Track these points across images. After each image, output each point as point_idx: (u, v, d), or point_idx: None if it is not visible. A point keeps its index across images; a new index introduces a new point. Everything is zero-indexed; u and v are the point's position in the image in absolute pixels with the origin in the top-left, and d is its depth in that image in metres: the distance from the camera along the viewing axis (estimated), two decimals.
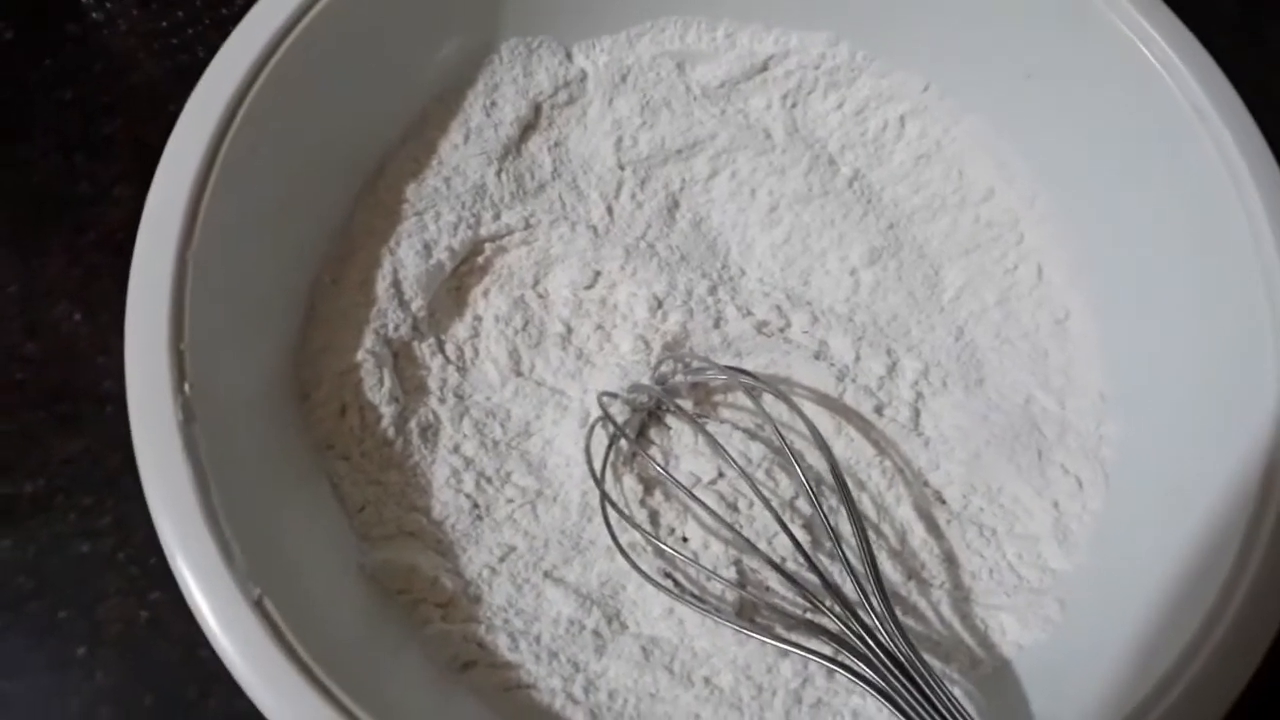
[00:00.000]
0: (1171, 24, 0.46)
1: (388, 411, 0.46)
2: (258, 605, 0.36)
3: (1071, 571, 0.46)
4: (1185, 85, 0.46)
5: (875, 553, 0.42)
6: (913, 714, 0.37)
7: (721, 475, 0.47)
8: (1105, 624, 0.43)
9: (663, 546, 0.44)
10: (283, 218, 0.46)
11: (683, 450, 0.48)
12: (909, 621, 0.45)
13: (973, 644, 0.45)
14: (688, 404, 0.48)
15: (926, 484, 0.49)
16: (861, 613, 0.40)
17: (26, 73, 0.59)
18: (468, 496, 0.46)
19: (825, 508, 0.41)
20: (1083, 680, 0.41)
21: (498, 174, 0.52)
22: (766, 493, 0.46)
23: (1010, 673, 0.44)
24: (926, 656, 0.42)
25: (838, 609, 0.40)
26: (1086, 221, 0.52)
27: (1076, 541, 0.47)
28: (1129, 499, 0.47)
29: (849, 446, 0.49)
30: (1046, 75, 0.51)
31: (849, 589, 0.42)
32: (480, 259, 0.51)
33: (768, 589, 0.45)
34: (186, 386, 0.39)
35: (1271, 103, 0.46)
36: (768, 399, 0.48)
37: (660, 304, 0.50)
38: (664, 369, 0.48)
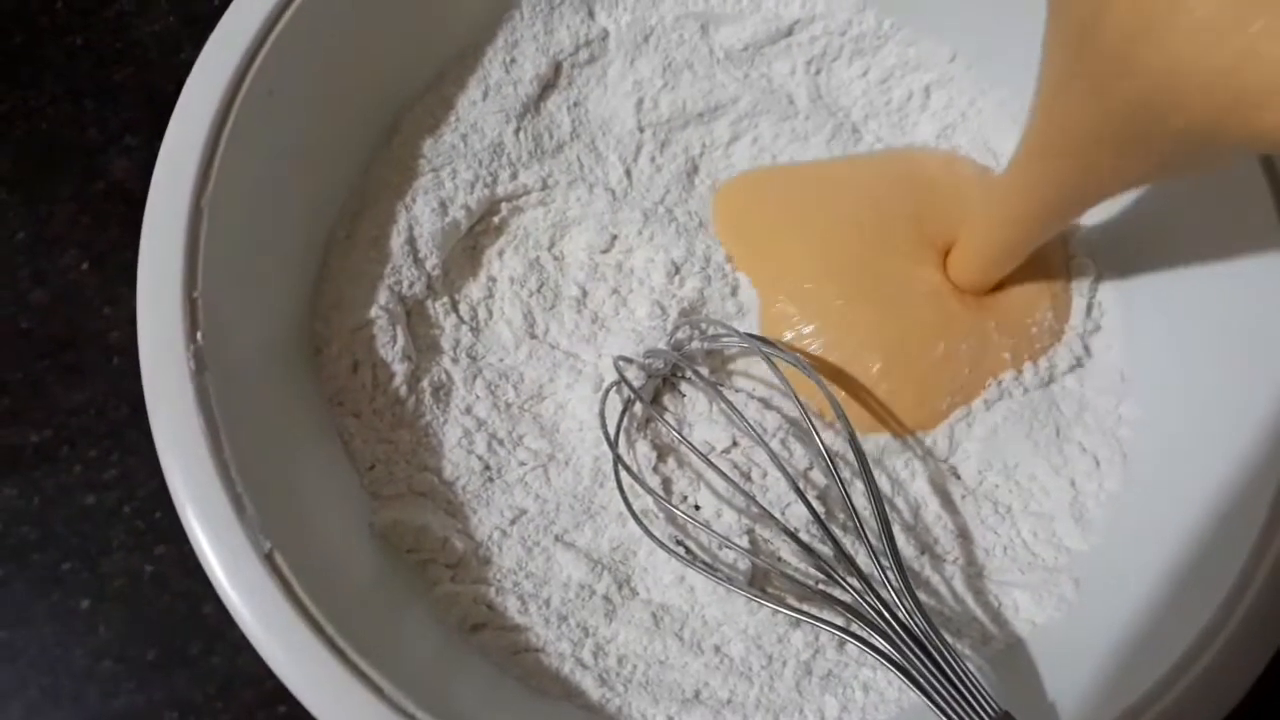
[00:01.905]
0: None
1: (400, 370, 0.45)
2: (268, 559, 0.35)
3: (1087, 551, 0.46)
4: None
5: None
6: (928, 687, 0.36)
7: (735, 444, 0.46)
8: (1120, 605, 0.42)
9: (676, 512, 0.44)
10: (298, 169, 0.45)
11: (696, 418, 0.47)
12: (921, 596, 0.45)
13: (985, 620, 0.44)
14: (704, 371, 0.47)
15: (942, 459, 0.48)
16: (878, 587, 0.39)
17: (37, 18, 0.58)
18: (479, 458, 0.45)
19: (842, 479, 0.41)
20: (1096, 660, 0.41)
21: (516, 132, 0.51)
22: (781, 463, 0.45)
23: (1023, 651, 0.43)
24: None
25: (854, 581, 0.39)
26: (1111, 200, 0.51)
27: (1093, 521, 0.46)
28: (1147, 479, 0.46)
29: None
30: None
31: (862, 561, 0.42)
32: (496, 219, 0.50)
33: (779, 559, 0.45)
34: (199, 335, 0.38)
35: None
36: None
37: (678, 270, 0.49)
38: (680, 335, 0.47)
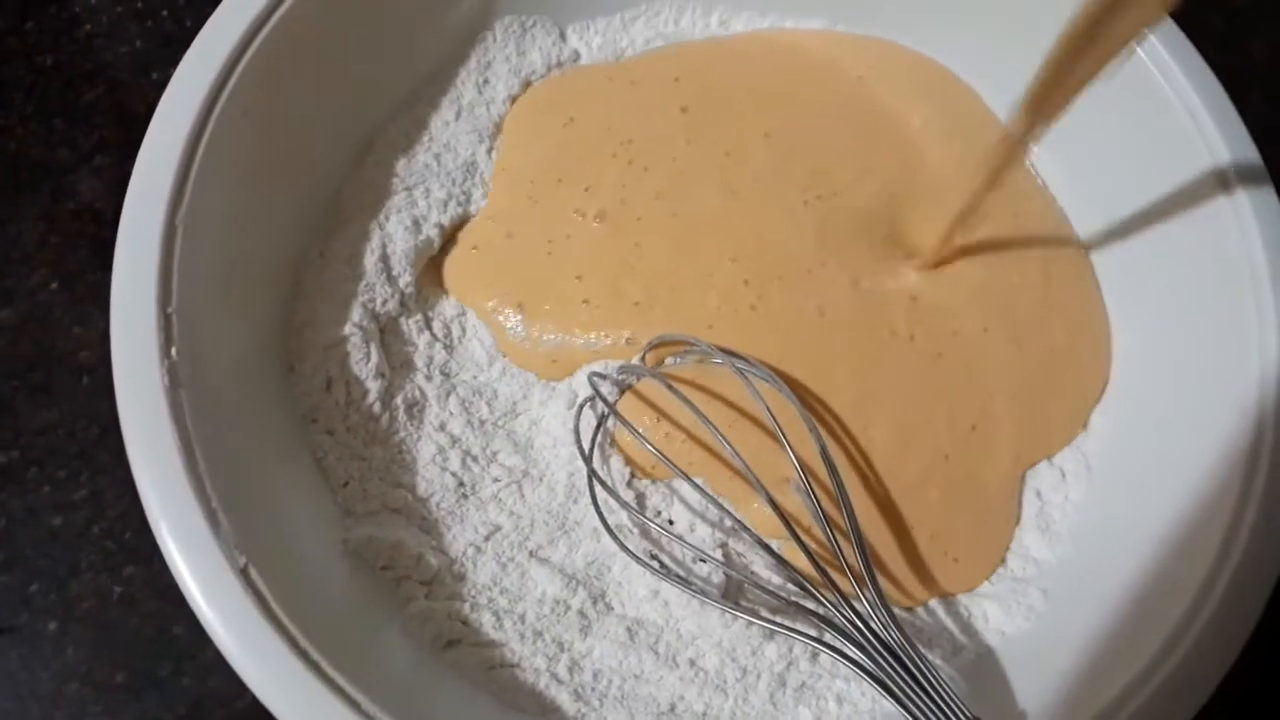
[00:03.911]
0: (1168, 29, 0.47)
1: (374, 387, 0.46)
2: (243, 574, 0.35)
3: (1054, 561, 0.46)
4: (1176, 83, 0.46)
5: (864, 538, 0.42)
6: (902, 697, 0.37)
7: None
8: (1088, 614, 0.43)
9: (650, 525, 0.44)
10: (272, 187, 0.45)
11: None
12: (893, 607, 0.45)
13: (955, 631, 0.45)
14: (678, 386, 0.48)
15: None
16: (853, 599, 0.39)
17: (6, 37, 0.58)
18: (453, 475, 0.46)
19: (815, 492, 0.41)
20: (1065, 669, 0.41)
21: (489, 152, 0.51)
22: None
23: (993, 660, 0.44)
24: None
25: (828, 594, 0.40)
26: (1077, 219, 0.52)
27: (1059, 532, 0.47)
28: (1111, 491, 0.47)
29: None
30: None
31: (835, 574, 0.42)
32: None
33: (753, 573, 0.45)
34: (173, 351, 0.38)
35: (1252, 109, 0.47)
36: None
37: None
38: (654, 350, 0.48)
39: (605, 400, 0.45)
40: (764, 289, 0.48)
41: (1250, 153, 0.46)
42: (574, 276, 0.48)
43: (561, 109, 0.52)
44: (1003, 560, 0.47)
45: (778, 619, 0.42)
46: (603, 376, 0.46)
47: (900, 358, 0.48)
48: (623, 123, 0.51)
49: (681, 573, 0.44)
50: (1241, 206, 0.45)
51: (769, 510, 0.41)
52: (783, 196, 0.50)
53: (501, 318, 0.48)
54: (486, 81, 0.52)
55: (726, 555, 0.45)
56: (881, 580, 0.44)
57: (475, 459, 0.46)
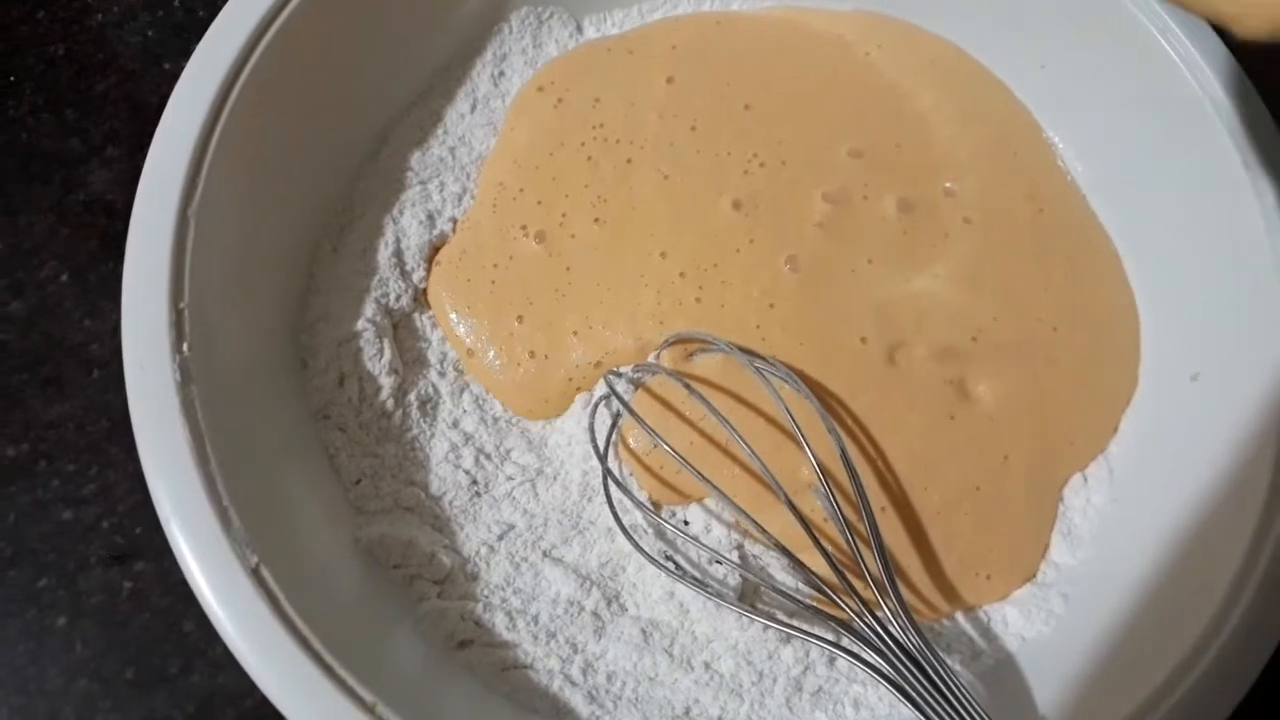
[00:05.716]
0: (1190, 20, 0.46)
1: (387, 383, 0.45)
2: (255, 573, 0.35)
3: (1075, 565, 0.46)
4: (1202, 78, 0.46)
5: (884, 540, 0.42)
6: (921, 702, 0.36)
7: None
8: (1109, 619, 0.42)
9: (665, 526, 0.43)
10: (285, 181, 0.45)
11: None
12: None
13: (974, 636, 0.44)
14: (696, 385, 0.47)
15: None
16: (872, 604, 0.39)
17: (17, 26, 0.58)
18: (466, 472, 0.45)
19: (833, 493, 0.41)
20: (1086, 675, 0.41)
21: None
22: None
23: (1013, 665, 0.43)
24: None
25: (849, 600, 0.39)
26: (1102, 214, 0.51)
27: (1080, 536, 0.46)
28: (1134, 493, 0.46)
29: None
30: (1061, 66, 0.51)
31: (852, 576, 0.42)
32: None
33: (769, 575, 0.44)
34: (185, 346, 0.37)
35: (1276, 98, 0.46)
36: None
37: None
38: (670, 348, 0.47)
39: (620, 398, 0.44)
40: (702, 279, 0.47)
41: (1276, 143, 0.45)
42: (514, 318, 0.47)
43: (558, 88, 0.51)
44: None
45: (794, 622, 0.41)
46: (618, 375, 0.46)
47: (883, 378, 0.47)
48: (606, 98, 0.50)
49: (697, 574, 0.44)
50: (1267, 200, 0.44)
51: (788, 515, 0.40)
52: (720, 171, 0.49)
53: (466, 357, 0.48)
54: (502, 74, 0.52)
55: (743, 557, 0.44)
56: (907, 595, 0.44)
57: (489, 457, 0.46)
